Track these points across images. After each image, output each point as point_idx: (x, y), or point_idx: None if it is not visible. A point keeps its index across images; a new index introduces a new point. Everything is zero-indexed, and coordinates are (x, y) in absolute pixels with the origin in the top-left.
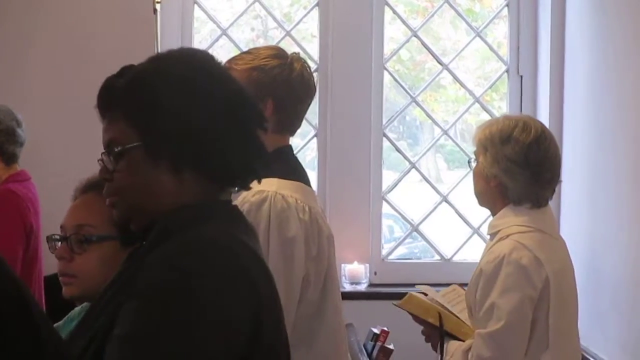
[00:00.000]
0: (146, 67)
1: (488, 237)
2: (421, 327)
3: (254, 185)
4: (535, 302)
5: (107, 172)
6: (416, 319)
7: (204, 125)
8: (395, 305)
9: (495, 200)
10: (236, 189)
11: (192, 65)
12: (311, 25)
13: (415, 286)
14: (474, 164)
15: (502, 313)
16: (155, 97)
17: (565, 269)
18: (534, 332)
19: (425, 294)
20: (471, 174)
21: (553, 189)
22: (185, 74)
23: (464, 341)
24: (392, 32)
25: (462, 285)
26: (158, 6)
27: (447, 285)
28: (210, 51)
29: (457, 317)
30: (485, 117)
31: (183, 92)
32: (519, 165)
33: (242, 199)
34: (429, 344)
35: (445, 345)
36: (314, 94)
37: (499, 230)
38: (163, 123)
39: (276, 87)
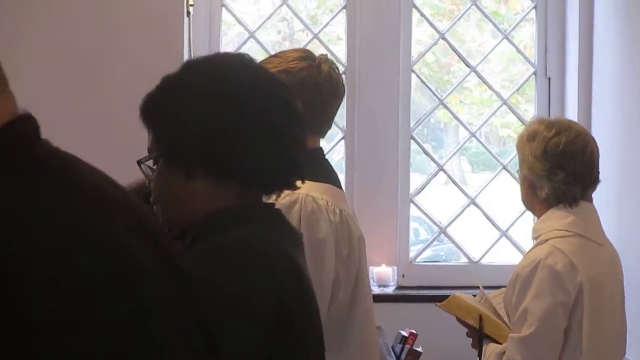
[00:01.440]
0: (173, 77)
1: (517, 239)
2: (453, 329)
3: (299, 184)
4: (570, 309)
5: (148, 181)
6: (459, 320)
7: (231, 132)
8: (437, 305)
9: (532, 203)
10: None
11: (220, 74)
12: (337, 28)
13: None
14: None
15: (534, 318)
16: (178, 107)
17: (607, 276)
18: (567, 338)
19: (473, 296)
20: (498, 176)
21: (586, 186)
22: (210, 84)
23: (501, 344)
24: (418, 35)
25: (494, 288)
26: (191, 9)
27: (476, 288)
28: None
29: (501, 320)
30: (511, 119)
31: (205, 101)
32: (539, 159)
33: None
34: (458, 346)
35: (483, 348)
36: (343, 96)
37: (540, 235)
38: (187, 134)
39: (305, 90)
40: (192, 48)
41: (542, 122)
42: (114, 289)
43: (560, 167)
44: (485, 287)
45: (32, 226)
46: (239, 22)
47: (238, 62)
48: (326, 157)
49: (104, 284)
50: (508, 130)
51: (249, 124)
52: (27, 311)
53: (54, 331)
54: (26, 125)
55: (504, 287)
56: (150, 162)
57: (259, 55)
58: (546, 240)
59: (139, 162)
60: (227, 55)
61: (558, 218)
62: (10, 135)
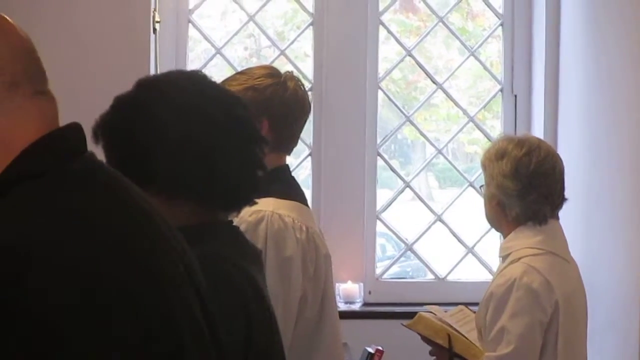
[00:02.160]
0: (126, 96)
1: (483, 256)
2: (418, 346)
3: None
4: (545, 327)
5: None
6: (425, 339)
7: (183, 150)
8: (404, 325)
9: (500, 221)
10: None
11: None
12: (304, 45)
13: (425, 306)
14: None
15: (512, 337)
16: (129, 126)
17: (576, 293)
18: (543, 356)
19: (434, 314)
20: (465, 193)
21: (555, 205)
22: (162, 102)
23: None
24: (385, 52)
25: (467, 305)
26: (157, 26)
27: (442, 304)
28: (204, 70)
29: (466, 338)
30: (478, 136)
31: (157, 120)
32: (510, 179)
33: (239, 219)
34: None
35: None
36: (309, 113)
37: (510, 253)
38: (138, 151)
39: (271, 106)
40: (158, 65)
41: (510, 141)
42: (141, 308)
43: (532, 186)
44: (452, 304)
45: (74, 236)
46: (206, 38)
47: (192, 80)
48: (292, 173)
49: (130, 301)
50: (475, 147)
51: (202, 142)
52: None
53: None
54: (75, 135)
55: (465, 304)
56: None
57: (225, 71)
58: (519, 259)
59: None
60: (180, 72)
61: (528, 236)
62: (59, 144)
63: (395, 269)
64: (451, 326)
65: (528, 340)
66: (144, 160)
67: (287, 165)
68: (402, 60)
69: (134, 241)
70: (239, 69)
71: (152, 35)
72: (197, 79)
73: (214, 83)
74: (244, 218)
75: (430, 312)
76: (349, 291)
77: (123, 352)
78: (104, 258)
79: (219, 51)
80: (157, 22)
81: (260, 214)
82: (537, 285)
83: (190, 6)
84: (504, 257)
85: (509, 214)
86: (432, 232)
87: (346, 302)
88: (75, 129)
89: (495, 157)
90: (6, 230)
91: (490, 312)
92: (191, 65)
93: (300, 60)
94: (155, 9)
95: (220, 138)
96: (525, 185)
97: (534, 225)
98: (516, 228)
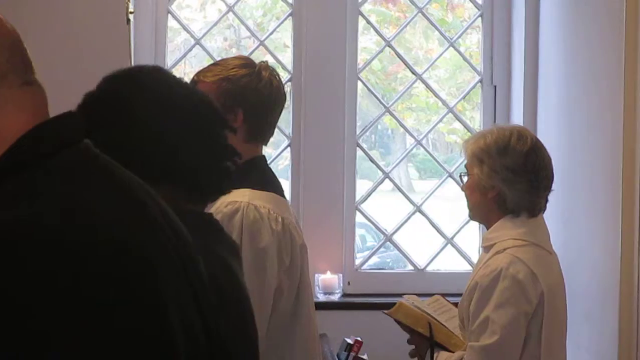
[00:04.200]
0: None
1: (463, 247)
2: (398, 337)
3: (227, 194)
4: (530, 317)
5: None
6: (405, 328)
7: (154, 139)
8: (385, 313)
9: (491, 212)
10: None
11: (134, 83)
12: (284, 35)
13: (404, 296)
14: (465, 178)
15: (497, 327)
16: (100, 119)
17: (559, 284)
18: (526, 346)
19: (413, 303)
20: (448, 184)
21: (547, 197)
22: (124, 94)
23: (453, 352)
24: (364, 42)
25: (445, 295)
26: (131, 16)
27: (422, 295)
28: (183, 61)
29: (445, 327)
30: (458, 126)
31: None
32: (518, 174)
33: (215, 210)
34: (404, 353)
35: (435, 355)
36: (284, 102)
37: (494, 244)
38: (108, 139)
39: (245, 97)
40: (136, 56)
41: (507, 133)
42: (139, 301)
43: (537, 181)
44: (431, 294)
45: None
46: (185, 28)
47: (156, 74)
48: (270, 164)
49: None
50: (454, 137)
51: (168, 130)
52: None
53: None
54: (70, 124)
55: (444, 294)
56: None
57: (205, 62)
58: (504, 249)
59: None
60: (144, 67)
61: (511, 227)
62: (55, 133)
63: (374, 260)
64: (430, 315)
65: (512, 331)
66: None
67: (264, 156)
68: (381, 51)
69: (126, 230)
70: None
71: (126, 27)
72: (156, 71)
73: (172, 75)
74: (219, 209)
75: (409, 300)
76: (328, 282)
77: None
78: (93, 245)
79: (198, 42)
80: (131, 12)
81: (235, 204)
82: (522, 276)
83: None
84: (486, 248)
85: (508, 206)
86: (412, 223)
87: (325, 293)
88: (70, 118)
89: (497, 150)
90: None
91: (474, 302)
92: (170, 56)
93: (279, 51)
94: (129, 0)
95: (184, 125)
96: (532, 180)
97: (516, 216)
98: (501, 219)
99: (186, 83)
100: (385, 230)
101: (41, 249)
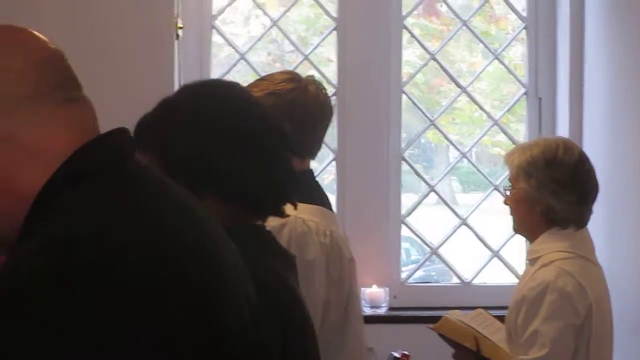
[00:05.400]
0: (171, 101)
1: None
2: (445, 350)
3: (289, 209)
4: (578, 330)
5: None
6: (450, 342)
7: (220, 155)
8: (430, 328)
9: (538, 225)
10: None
11: (213, 98)
12: (327, 49)
13: (448, 311)
14: (508, 192)
15: (546, 340)
16: (173, 130)
17: (605, 296)
18: None
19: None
20: (493, 197)
21: (591, 209)
22: (203, 108)
23: None
24: (407, 56)
25: (492, 309)
26: (180, 32)
27: (468, 308)
28: (227, 76)
29: (491, 341)
30: (502, 139)
31: (199, 124)
32: (567, 186)
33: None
34: None
35: None
36: (331, 117)
37: (540, 256)
38: (177, 156)
39: (292, 112)
40: (182, 70)
41: (554, 146)
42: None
43: (586, 193)
44: (476, 308)
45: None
46: (230, 44)
47: (232, 89)
48: (317, 178)
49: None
50: (498, 149)
51: (240, 149)
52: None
53: None
54: (120, 140)
55: (490, 308)
56: None
57: (248, 77)
58: (551, 262)
59: None
60: (220, 82)
61: (558, 240)
62: (104, 149)
63: (419, 273)
64: (475, 329)
65: (561, 344)
66: (181, 163)
67: (311, 170)
68: (425, 64)
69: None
70: (262, 75)
71: (176, 42)
72: (237, 89)
73: (249, 93)
74: (267, 222)
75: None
76: (374, 296)
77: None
78: (165, 253)
79: (243, 57)
80: (180, 28)
81: (283, 218)
82: (570, 288)
83: (214, 12)
84: (532, 260)
85: (557, 219)
86: (456, 236)
87: (372, 307)
88: (120, 134)
89: (545, 163)
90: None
91: (522, 315)
92: (214, 71)
93: (323, 65)
94: (177, 15)
95: (254, 145)
96: (580, 192)
97: (562, 228)
98: (546, 232)
99: (259, 102)
100: (431, 243)
101: (97, 264)
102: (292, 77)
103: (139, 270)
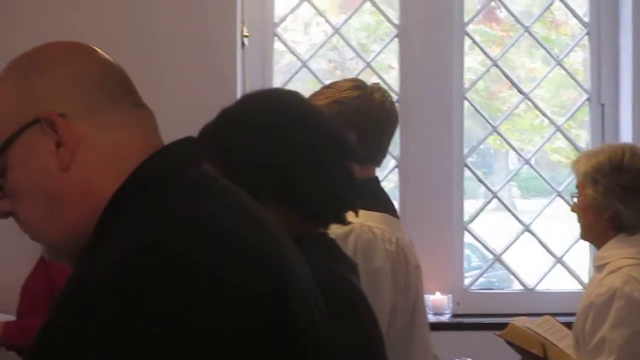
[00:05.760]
0: (233, 110)
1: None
2: (509, 357)
3: (351, 217)
4: None
5: None
6: (517, 349)
7: (283, 164)
8: (497, 335)
9: (606, 232)
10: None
11: (273, 107)
12: (388, 56)
13: (514, 318)
14: (575, 199)
15: (614, 347)
16: (237, 140)
17: None
18: None
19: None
20: (556, 203)
21: None
22: (263, 117)
23: None
24: (467, 62)
25: (557, 315)
26: (246, 40)
27: (532, 315)
28: (289, 83)
29: (558, 347)
30: (561, 144)
31: (261, 134)
32: (634, 193)
33: (329, 231)
34: None
35: None
36: (396, 124)
37: (606, 263)
38: (237, 165)
39: (358, 119)
40: (246, 79)
41: (620, 151)
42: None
43: None
44: (541, 314)
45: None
46: (292, 51)
47: (292, 99)
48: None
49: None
50: (558, 156)
51: (300, 158)
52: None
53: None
54: (190, 148)
55: (555, 314)
56: None
57: (309, 84)
58: (618, 269)
59: None
60: (280, 91)
61: (625, 246)
62: (177, 155)
63: (480, 280)
64: (542, 336)
65: (629, 350)
66: (242, 172)
67: (377, 177)
68: (487, 70)
69: (263, 246)
70: (324, 82)
71: (240, 50)
72: (297, 98)
73: (310, 102)
74: (333, 230)
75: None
76: (437, 302)
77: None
78: (237, 264)
79: (304, 64)
80: (246, 36)
81: (349, 226)
82: (638, 295)
83: (276, 19)
84: (599, 267)
85: (625, 225)
86: (518, 242)
87: (435, 314)
88: (188, 143)
89: (611, 169)
90: (137, 235)
91: (589, 321)
92: (276, 79)
93: (383, 72)
94: (243, 23)
95: (314, 153)
96: None
97: (629, 235)
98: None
99: (319, 110)
100: (494, 250)
101: (174, 268)
102: (357, 84)
103: (208, 283)
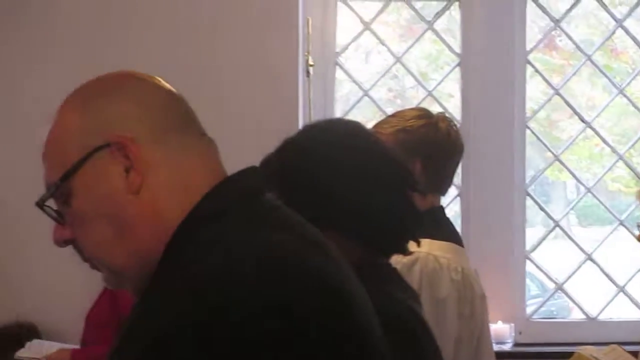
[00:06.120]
0: (295, 141)
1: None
2: None
3: (413, 247)
4: None
5: None
6: None
7: (345, 193)
8: None
9: None
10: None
11: (335, 137)
12: (447, 85)
13: (579, 348)
14: None
15: None
16: (292, 171)
17: None
18: None
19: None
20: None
21: None
22: (325, 147)
23: None
24: (528, 91)
25: (620, 344)
26: (311, 69)
27: (595, 344)
28: (350, 112)
29: None
30: (622, 172)
31: (322, 165)
32: None
33: (394, 260)
34: None
35: None
36: (462, 153)
37: None
38: (301, 194)
39: (423, 148)
40: (311, 107)
41: None
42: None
43: None
44: (605, 344)
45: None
46: (353, 80)
47: (354, 129)
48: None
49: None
50: (618, 185)
51: (362, 188)
52: None
53: None
54: (254, 177)
55: (618, 343)
56: None
57: (369, 113)
58: None
59: None
60: (341, 121)
61: None
62: (242, 186)
63: (541, 309)
64: None
65: None
66: (303, 201)
67: (442, 207)
68: (550, 99)
69: (334, 279)
70: (384, 110)
71: (305, 79)
72: (359, 128)
73: (372, 132)
74: (398, 259)
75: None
76: (499, 331)
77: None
78: (313, 298)
79: (366, 93)
80: (311, 65)
81: (414, 255)
82: None
83: (337, 49)
84: None
85: None
86: (579, 271)
87: (497, 343)
88: (254, 172)
89: None
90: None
91: None
92: (337, 107)
93: (444, 100)
94: (308, 53)
95: (374, 183)
96: None
97: None
98: None
99: (380, 140)
100: (556, 279)
101: (238, 309)
102: (422, 113)
103: (286, 319)
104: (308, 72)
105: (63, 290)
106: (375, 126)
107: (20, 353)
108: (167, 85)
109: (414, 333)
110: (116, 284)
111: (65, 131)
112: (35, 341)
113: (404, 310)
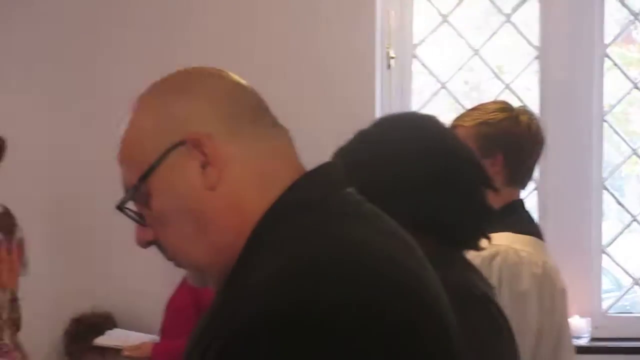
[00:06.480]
0: (371, 133)
1: None
2: None
3: (485, 244)
4: None
5: None
6: None
7: (412, 188)
8: None
9: None
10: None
11: (409, 131)
12: (524, 78)
13: None
14: None
15: None
16: (364, 164)
17: None
18: None
19: None
20: None
21: None
22: (399, 140)
23: None
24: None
25: None
26: (392, 62)
27: None
28: (427, 104)
29: None
30: None
31: (395, 157)
32: None
33: (474, 255)
34: None
35: None
36: (542, 147)
37: None
38: (370, 189)
39: (504, 141)
40: (391, 99)
41: None
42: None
43: None
44: None
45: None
46: (431, 73)
47: (428, 123)
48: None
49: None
50: None
51: (435, 183)
52: None
53: None
54: (335, 171)
55: None
56: None
57: (444, 106)
58: None
59: None
60: (416, 114)
61: None
62: (327, 176)
63: (612, 303)
64: None
65: None
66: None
67: (522, 200)
68: (629, 92)
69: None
70: (461, 103)
71: (385, 72)
72: (433, 122)
73: (445, 127)
74: (477, 253)
75: None
76: (575, 325)
77: None
78: (394, 297)
79: (444, 85)
80: (392, 57)
81: (494, 248)
82: None
83: (415, 41)
84: None
85: None
86: None
87: (573, 337)
88: (334, 167)
89: None
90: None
91: None
92: (414, 100)
93: (520, 93)
94: (389, 45)
95: (447, 178)
96: None
97: None
98: None
99: (454, 135)
100: (633, 273)
101: (333, 297)
102: (504, 107)
103: (369, 312)
104: (389, 64)
105: (139, 280)
106: (457, 119)
107: (100, 340)
108: (236, 77)
109: (489, 308)
110: (201, 282)
111: (140, 132)
112: (116, 330)
113: (478, 290)
